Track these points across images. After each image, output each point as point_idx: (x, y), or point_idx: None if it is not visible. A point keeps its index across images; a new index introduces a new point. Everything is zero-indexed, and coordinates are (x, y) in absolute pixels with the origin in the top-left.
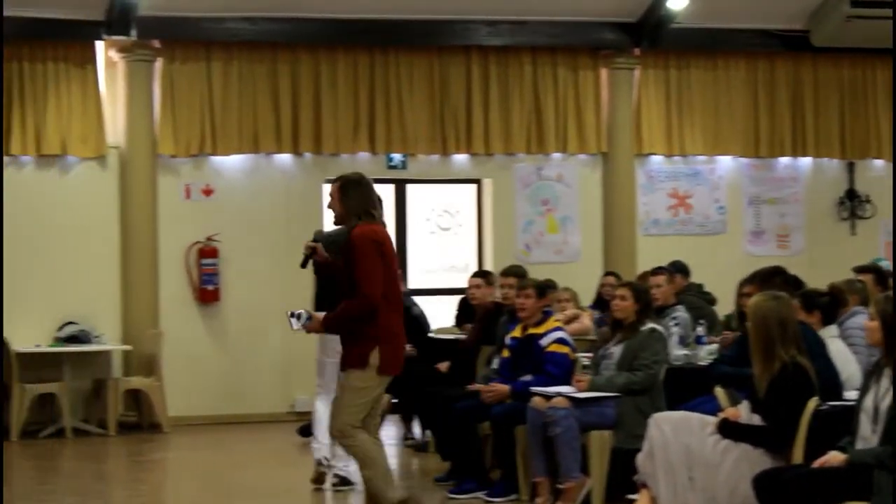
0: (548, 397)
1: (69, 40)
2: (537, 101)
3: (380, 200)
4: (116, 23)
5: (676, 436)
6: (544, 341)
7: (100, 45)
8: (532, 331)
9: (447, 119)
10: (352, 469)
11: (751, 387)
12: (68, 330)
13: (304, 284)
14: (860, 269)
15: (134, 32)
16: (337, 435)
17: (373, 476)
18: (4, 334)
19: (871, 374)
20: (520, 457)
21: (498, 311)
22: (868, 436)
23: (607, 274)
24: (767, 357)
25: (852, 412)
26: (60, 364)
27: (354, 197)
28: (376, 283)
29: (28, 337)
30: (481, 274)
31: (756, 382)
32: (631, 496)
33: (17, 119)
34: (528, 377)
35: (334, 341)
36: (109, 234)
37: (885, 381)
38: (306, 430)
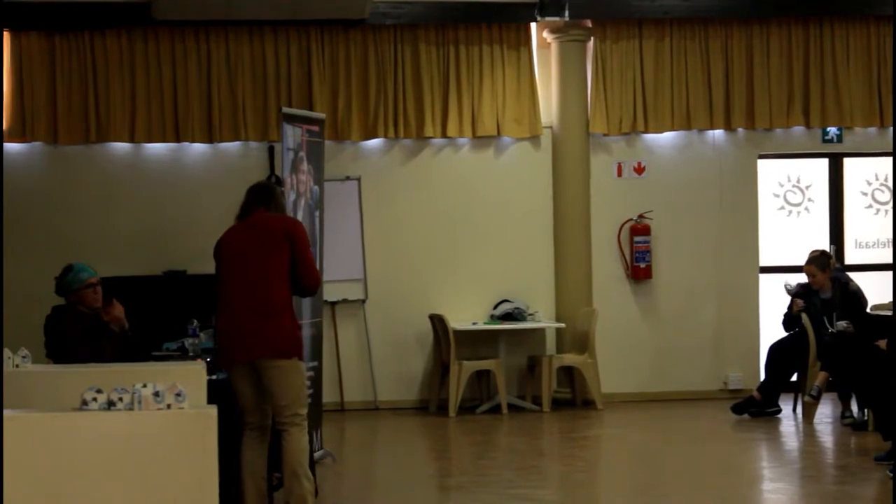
0: None
1: (504, 22)
2: None
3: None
4: (550, 4)
5: None
6: None
7: (533, 27)
8: None
9: (884, 90)
10: None
11: None
12: (503, 307)
13: (730, 264)
14: None
15: (567, 13)
16: None
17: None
18: (443, 312)
19: None
20: None
21: None
22: None
23: None
24: None
25: None
26: (496, 341)
27: None
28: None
29: (465, 315)
30: None
31: None
32: None
33: (454, 102)
34: None
35: None
36: (543, 213)
37: None
38: (740, 408)
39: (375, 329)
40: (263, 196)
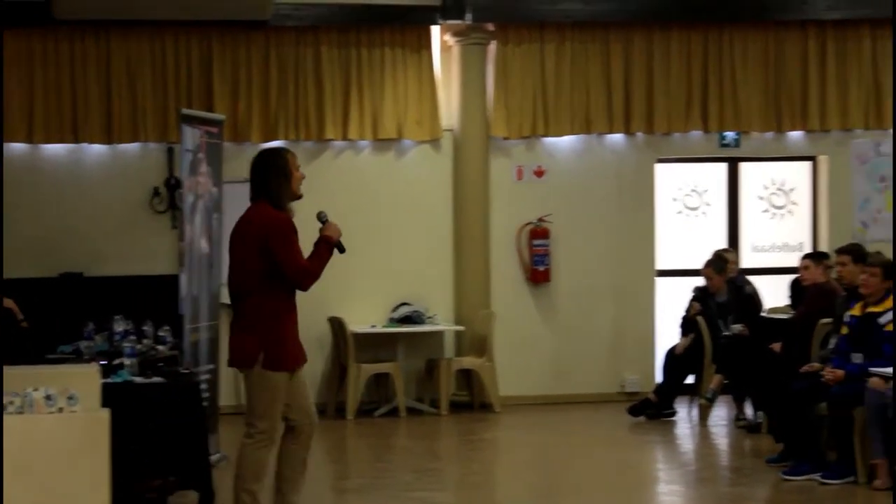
0: (888, 378)
1: (405, 26)
2: (876, 74)
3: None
4: (451, 7)
5: None
6: (882, 320)
7: (435, 30)
8: (871, 309)
9: (782, 96)
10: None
11: None
12: (402, 311)
13: (628, 268)
14: None
15: (469, 16)
16: None
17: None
18: (342, 315)
19: None
20: (857, 438)
21: (829, 292)
22: None
23: None
24: None
25: None
26: (395, 344)
27: None
28: None
29: (363, 318)
30: (811, 255)
31: None
32: None
33: (355, 104)
34: (859, 360)
35: None
36: (443, 216)
37: None
38: (636, 410)
39: None
40: (256, 183)
